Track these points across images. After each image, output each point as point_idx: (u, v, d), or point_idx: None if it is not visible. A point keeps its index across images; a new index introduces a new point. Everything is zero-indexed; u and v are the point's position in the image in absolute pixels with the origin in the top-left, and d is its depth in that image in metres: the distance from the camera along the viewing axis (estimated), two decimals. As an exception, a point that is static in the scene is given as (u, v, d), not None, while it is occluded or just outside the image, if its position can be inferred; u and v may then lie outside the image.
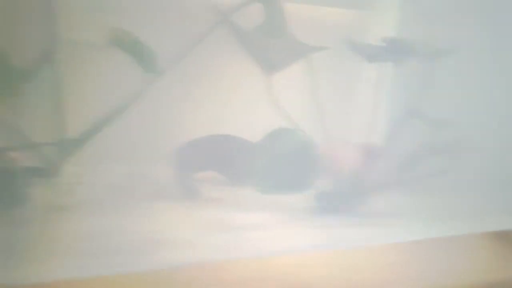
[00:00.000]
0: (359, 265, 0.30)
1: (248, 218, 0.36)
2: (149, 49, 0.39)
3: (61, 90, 0.37)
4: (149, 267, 0.26)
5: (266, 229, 0.34)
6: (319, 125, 0.39)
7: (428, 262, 0.31)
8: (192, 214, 0.37)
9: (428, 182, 0.40)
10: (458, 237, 0.35)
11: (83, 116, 0.37)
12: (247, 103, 0.46)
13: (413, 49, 0.40)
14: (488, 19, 0.47)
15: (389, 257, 0.31)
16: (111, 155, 0.40)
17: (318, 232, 0.35)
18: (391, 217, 0.39)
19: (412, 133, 0.40)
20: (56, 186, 0.35)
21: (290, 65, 0.40)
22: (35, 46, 0.37)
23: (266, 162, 0.39)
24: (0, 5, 0.40)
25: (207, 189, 0.40)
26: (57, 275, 0.25)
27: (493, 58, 0.46)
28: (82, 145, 0.36)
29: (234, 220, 0.35)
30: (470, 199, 0.43)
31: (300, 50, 0.40)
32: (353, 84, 0.47)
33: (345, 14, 0.49)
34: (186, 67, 0.39)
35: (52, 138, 0.36)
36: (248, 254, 0.30)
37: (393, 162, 0.40)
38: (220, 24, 0.39)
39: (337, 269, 0.29)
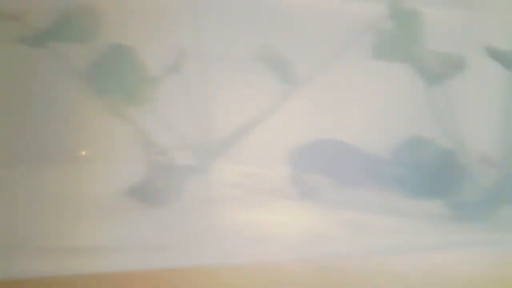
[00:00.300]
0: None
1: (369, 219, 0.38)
2: (289, 62, 0.43)
3: (206, 97, 0.45)
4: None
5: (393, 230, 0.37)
6: (455, 135, 0.39)
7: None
8: (305, 212, 0.40)
9: None
10: None
11: (227, 122, 0.44)
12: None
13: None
14: None
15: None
16: (243, 157, 0.45)
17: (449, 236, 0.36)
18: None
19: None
20: (205, 182, 0.41)
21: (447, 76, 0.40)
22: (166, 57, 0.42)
23: (401, 169, 0.41)
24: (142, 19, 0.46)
25: (322, 190, 0.43)
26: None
27: None
28: (227, 147, 0.42)
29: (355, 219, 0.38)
30: None
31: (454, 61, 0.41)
32: (488, 93, 0.46)
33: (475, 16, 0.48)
34: (323, 79, 0.43)
35: (203, 140, 0.43)
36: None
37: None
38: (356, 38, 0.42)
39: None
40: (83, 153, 0.45)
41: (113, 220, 0.35)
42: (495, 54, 0.38)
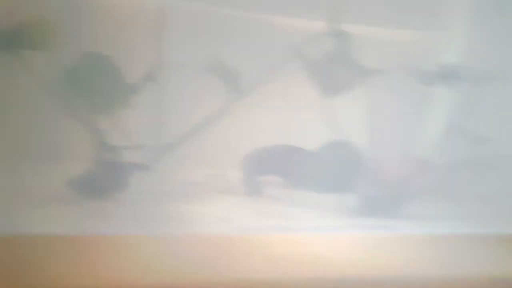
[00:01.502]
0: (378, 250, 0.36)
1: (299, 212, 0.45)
2: (236, 73, 0.48)
3: (161, 103, 0.50)
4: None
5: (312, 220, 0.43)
6: (371, 139, 0.44)
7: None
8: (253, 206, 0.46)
9: (463, 190, 0.46)
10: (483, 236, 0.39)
11: (177, 125, 0.48)
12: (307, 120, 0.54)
13: (467, 74, 0.45)
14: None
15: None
16: (195, 159, 0.50)
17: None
18: (423, 219, 0.43)
19: (454, 147, 0.46)
20: (150, 178, 0.46)
21: (351, 88, 0.47)
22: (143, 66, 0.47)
23: (320, 168, 0.46)
24: (115, 30, 0.51)
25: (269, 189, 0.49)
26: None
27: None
28: (174, 149, 0.47)
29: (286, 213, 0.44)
30: (496, 206, 0.45)
31: (360, 74, 0.47)
32: (405, 103, 0.51)
33: (409, 35, 0.53)
34: (264, 90, 0.48)
35: (153, 141, 0.49)
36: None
37: (434, 172, 0.45)
38: (292, 55, 0.47)
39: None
40: (36, 151, 0.50)
41: (57, 209, 0.40)
42: (411, 72, 0.45)
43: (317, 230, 0.41)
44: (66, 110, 0.44)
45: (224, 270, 0.31)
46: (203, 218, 0.41)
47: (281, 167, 0.48)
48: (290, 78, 0.50)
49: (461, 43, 0.52)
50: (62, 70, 0.44)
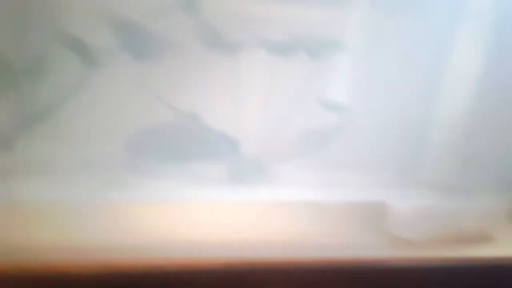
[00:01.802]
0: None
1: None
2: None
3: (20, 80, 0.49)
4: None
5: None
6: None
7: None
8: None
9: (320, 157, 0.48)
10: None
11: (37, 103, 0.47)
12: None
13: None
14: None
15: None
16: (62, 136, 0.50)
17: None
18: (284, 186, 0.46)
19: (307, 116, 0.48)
20: (10, 157, 0.44)
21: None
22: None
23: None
24: None
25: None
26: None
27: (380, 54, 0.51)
28: (34, 125, 0.45)
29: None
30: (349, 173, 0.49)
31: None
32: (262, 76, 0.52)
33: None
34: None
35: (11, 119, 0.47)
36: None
37: (289, 141, 0.47)
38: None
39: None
40: None
41: None
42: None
43: (190, 199, 0.43)
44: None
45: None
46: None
47: (155, 143, 0.49)
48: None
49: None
50: None
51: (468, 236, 0.43)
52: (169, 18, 0.44)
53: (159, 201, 0.43)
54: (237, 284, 0.35)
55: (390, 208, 0.41)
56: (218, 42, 0.46)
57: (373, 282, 0.35)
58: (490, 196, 0.46)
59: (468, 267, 0.38)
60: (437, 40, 0.50)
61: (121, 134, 0.48)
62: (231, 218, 0.42)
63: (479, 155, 0.47)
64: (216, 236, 0.38)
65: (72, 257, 0.34)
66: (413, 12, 0.52)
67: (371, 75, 0.53)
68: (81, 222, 0.41)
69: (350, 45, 0.49)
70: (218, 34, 0.46)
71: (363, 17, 0.52)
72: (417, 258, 0.37)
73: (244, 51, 0.47)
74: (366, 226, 0.43)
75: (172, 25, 0.45)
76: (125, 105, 0.47)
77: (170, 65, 0.47)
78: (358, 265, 0.34)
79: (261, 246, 0.37)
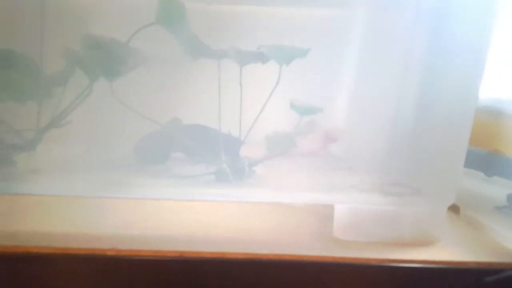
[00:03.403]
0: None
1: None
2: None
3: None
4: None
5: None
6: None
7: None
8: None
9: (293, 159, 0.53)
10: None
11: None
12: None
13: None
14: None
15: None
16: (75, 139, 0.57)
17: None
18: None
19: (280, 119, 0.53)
20: (33, 156, 0.52)
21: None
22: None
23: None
24: None
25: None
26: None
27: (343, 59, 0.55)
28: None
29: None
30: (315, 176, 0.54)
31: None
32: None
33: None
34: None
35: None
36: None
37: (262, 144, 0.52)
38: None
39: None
40: None
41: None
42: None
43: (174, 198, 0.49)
44: None
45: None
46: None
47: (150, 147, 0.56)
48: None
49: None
50: None
51: (410, 238, 0.45)
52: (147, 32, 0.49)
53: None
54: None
55: (335, 210, 0.45)
56: (196, 52, 0.51)
57: (309, 280, 0.39)
58: (434, 197, 0.48)
59: (407, 269, 0.40)
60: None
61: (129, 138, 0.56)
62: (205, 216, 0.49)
63: (424, 154, 0.48)
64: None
65: (81, 243, 0.42)
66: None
67: (341, 78, 0.58)
68: (91, 214, 0.50)
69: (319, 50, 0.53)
70: (196, 45, 0.51)
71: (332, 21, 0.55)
72: (352, 258, 0.40)
73: (219, 60, 0.52)
74: (309, 227, 0.48)
75: (151, 38, 0.50)
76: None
77: (153, 76, 0.54)
78: (292, 261, 0.41)
79: (205, 241, 0.43)
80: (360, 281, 0.40)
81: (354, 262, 0.40)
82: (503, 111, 0.51)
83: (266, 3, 0.57)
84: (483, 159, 0.55)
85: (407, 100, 0.52)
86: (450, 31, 0.47)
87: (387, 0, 0.54)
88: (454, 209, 0.55)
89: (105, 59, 0.48)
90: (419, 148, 0.49)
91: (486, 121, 0.53)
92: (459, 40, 0.46)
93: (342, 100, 0.58)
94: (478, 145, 0.55)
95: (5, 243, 0.40)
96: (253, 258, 0.38)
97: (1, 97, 0.51)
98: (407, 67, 0.52)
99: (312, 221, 0.50)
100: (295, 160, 0.54)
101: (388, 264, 0.40)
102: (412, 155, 0.50)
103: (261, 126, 0.55)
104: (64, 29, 0.55)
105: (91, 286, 0.39)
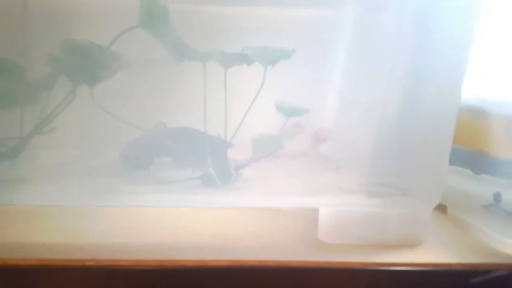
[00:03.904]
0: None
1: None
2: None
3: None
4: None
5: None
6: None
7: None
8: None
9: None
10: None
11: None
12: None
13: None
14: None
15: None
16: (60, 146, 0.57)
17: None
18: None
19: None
20: (16, 165, 0.52)
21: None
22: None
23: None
24: None
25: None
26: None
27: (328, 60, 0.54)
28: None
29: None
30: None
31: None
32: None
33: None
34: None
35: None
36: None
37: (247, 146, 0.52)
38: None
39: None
40: None
41: None
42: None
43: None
44: None
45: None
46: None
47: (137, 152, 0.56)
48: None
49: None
50: None
51: (395, 240, 0.45)
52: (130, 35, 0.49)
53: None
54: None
55: (320, 213, 0.45)
56: (181, 55, 0.50)
57: (293, 285, 0.39)
58: (420, 197, 0.48)
59: (393, 273, 0.40)
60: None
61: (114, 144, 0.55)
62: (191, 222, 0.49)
63: (409, 154, 0.48)
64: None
65: (60, 253, 0.41)
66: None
67: (327, 79, 0.57)
68: (72, 224, 0.49)
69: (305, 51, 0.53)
70: (181, 48, 0.50)
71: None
72: (338, 262, 0.40)
73: (205, 63, 0.51)
74: (294, 230, 0.48)
75: (134, 42, 0.49)
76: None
77: (137, 80, 0.54)
78: (279, 265, 0.41)
79: (188, 248, 0.42)
80: (345, 286, 0.40)
81: (339, 266, 0.40)
82: (486, 111, 0.51)
83: (252, 3, 0.58)
84: (470, 157, 0.55)
85: (393, 100, 0.52)
86: (433, 31, 0.47)
87: (373, 0, 0.54)
88: (441, 208, 0.55)
89: (86, 64, 0.49)
90: (404, 147, 0.49)
91: (471, 121, 0.53)
92: (442, 40, 0.46)
93: (328, 101, 0.59)
94: (463, 144, 0.55)
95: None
96: (236, 265, 0.38)
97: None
98: (392, 68, 0.52)
99: (297, 224, 0.50)
100: (283, 161, 0.54)
101: (374, 268, 0.40)
102: (397, 155, 0.49)
103: (247, 129, 0.55)
104: (46, 33, 0.55)
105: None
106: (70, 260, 0.39)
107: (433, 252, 0.44)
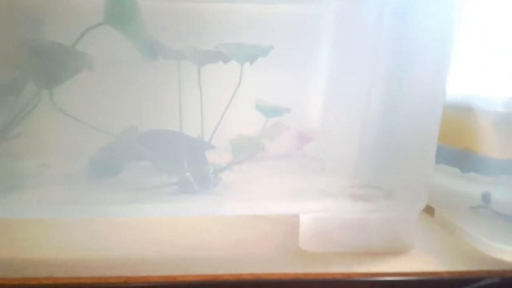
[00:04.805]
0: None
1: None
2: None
3: None
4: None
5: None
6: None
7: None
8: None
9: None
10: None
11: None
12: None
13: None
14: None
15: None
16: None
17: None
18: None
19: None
20: None
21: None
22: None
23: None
24: None
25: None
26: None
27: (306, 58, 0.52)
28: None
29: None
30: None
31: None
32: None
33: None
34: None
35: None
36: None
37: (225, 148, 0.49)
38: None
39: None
40: None
41: None
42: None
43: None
44: None
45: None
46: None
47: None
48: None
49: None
50: None
51: (380, 246, 0.42)
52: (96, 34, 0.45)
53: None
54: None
55: (300, 220, 0.43)
56: (152, 54, 0.48)
57: None
58: (405, 200, 0.46)
59: (377, 283, 0.38)
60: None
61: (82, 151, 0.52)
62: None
63: (393, 154, 0.46)
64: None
65: (14, 271, 0.37)
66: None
67: (308, 77, 0.55)
68: (33, 236, 0.45)
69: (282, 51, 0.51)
70: (151, 46, 0.48)
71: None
72: (319, 274, 0.37)
73: (178, 62, 0.49)
74: (273, 239, 0.45)
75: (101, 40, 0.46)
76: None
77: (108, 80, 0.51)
78: (255, 279, 0.38)
79: (156, 262, 0.40)
80: (328, 298, 0.38)
81: (319, 278, 0.37)
82: (472, 107, 0.49)
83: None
84: (457, 156, 0.53)
85: (375, 97, 0.50)
86: (414, 26, 0.45)
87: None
88: (428, 210, 0.53)
89: (48, 65, 0.46)
90: (388, 147, 0.47)
91: (456, 118, 0.51)
92: (424, 35, 0.44)
93: (311, 100, 0.57)
94: (450, 143, 0.53)
95: None
96: (208, 280, 0.36)
97: None
98: (374, 64, 0.50)
99: (277, 231, 0.47)
100: (266, 164, 0.52)
101: (358, 279, 0.38)
102: (381, 154, 0.47)
103: (225, 130, 0.52)
104: (7, 33, 0.52)
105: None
106: (24, 279, 0.35)
107: (420, 260, 0.42)
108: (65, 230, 0.47)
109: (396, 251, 0.43)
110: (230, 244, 0.44)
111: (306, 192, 0.48)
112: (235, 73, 0.51)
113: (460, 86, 0.50)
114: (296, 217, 0.44)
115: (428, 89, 0.43)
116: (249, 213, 0.48)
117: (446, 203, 0.52)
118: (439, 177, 0.53)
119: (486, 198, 0.50)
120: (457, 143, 0.52)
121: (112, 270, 0.37)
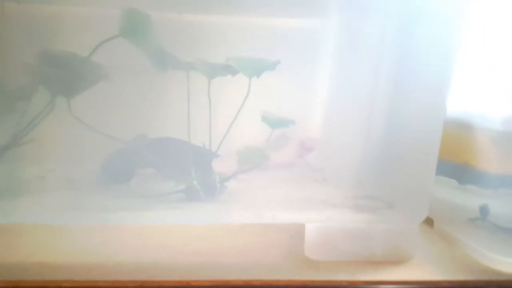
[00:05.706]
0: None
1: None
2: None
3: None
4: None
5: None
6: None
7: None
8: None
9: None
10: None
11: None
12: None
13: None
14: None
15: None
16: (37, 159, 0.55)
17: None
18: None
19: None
20: None
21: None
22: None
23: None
24: None
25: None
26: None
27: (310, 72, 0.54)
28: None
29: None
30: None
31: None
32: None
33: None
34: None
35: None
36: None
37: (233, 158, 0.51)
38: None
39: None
40: None
41: None
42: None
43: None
44: None
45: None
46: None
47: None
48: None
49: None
50: None
51: (382, 256, 0.44)
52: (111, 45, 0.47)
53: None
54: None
55: (306, 229, 0.44)
56: (163, 65, 0.50)
57: None
58: (406, 211, 0.47)
59: None
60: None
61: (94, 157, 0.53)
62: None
63: (395, 166, 0.48)
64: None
65: (34, 274, 0.39)
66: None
67: (313, 90, 0.57)
68: (47, 241, 0.47)
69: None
70: (163, 57, 0.49)
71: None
72: (325, 281, 0.39)
73: (188, 73, 0.50)
74: (280, 247, 0.46)
75: (115, 52, 0.47)
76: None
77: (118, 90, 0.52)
78: (265, 285, 0.40)
79: (169, 268, 0.41)
80: (333, 304, 0.39)
81: (326, 285, 0.39)
82: (472, 124, 0.51)
83: (236, 13, 0.57)
84: (456, 169, 0.54)
85: (378, 111, 0.52)
86: (417, 43, 0.47)
87: (358, 12, 0.54)
88: (428, 222, 0.55)
89: (64, 74, 0.47)
90: (390, 159, 0.49)
91: (456, 134, 0.53)
92: (426, 52, 0.46)
93: (315, 112, 0.58)
94: (449, 157, 0.55)
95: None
96: (220, 285, 0.37)
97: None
98: (377, 79, 0.52)
99: (282, 240, 0.48)
100: (270, 173, 0.53)
101: (361, 287, 0.40)
102: (383, 166, 0.49)
103: (232, 140, 0.54)
104: (24, 43, 0.54)
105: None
106: (44, 282, 0.37)
107: (420, 269, 0.43)
108: (78, 234, 0.48)
109: (397, 261, 0.44)
110: (239, 250, 0.45)
111: (309, 202, 0.49)
112: (242, 85, 0.53)
113: (460, 103, 0.52)
114: (302, 225, 0.45)
115: (429, 104, 0.45)
116: (254, 222, 0.49)
117: (444, 215, 0.54)
118: (438, 189, 0.55)
119: (483, 210, 0.52)
120: (456, 158, 0.54)
121: (127, 275, 0.38)
